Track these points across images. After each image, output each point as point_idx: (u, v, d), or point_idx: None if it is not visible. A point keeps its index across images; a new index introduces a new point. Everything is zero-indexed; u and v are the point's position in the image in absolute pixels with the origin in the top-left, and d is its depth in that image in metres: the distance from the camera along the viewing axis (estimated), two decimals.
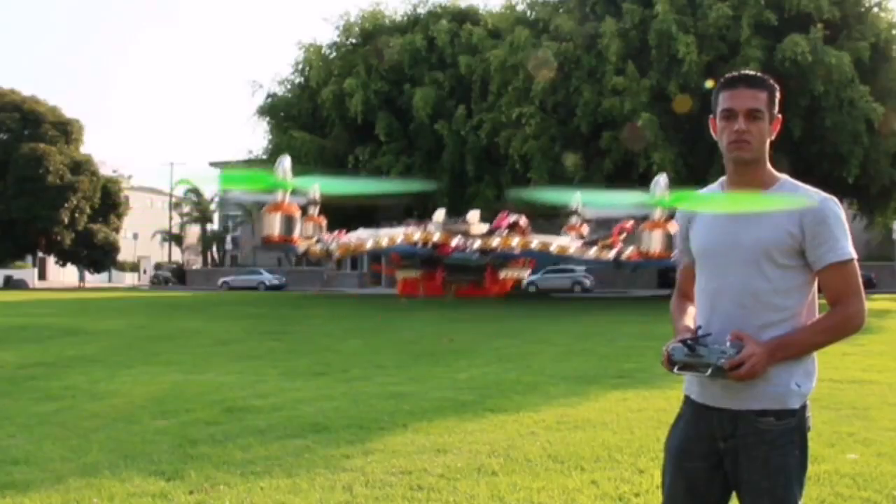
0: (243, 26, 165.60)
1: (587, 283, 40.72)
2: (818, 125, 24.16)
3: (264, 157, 33.47)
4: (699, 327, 2.10)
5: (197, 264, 64.20)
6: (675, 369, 2.06)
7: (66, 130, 51.09)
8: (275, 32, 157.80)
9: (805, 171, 26.93)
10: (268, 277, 48.60)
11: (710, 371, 1.99)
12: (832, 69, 23.17)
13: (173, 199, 65.56)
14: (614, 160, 24.92)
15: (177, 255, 68.46)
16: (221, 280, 50.13)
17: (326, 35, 75.54)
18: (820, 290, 2.12)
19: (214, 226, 64.23)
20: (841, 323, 2.07)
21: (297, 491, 4.27)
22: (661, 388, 7.29)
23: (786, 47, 23.47)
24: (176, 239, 65.38)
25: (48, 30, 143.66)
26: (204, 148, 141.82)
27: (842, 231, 2.04)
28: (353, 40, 32.45)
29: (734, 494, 2.16)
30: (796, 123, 24.00)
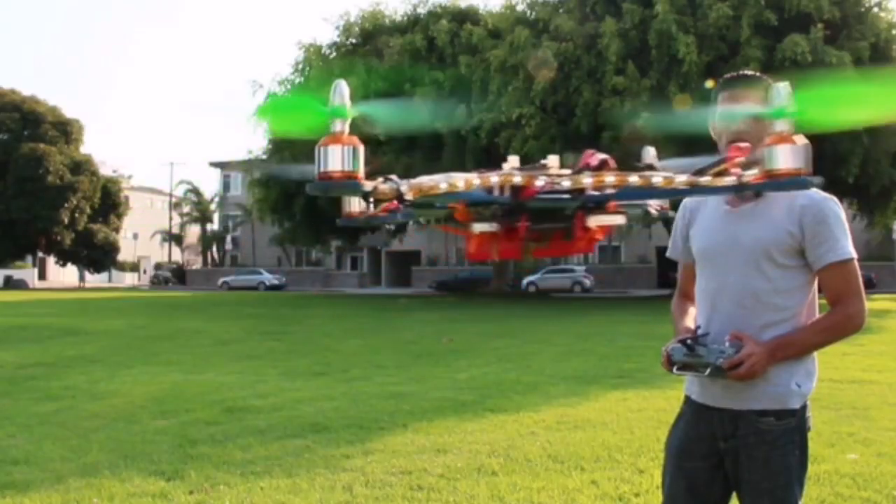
0: (243, 26, 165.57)
1: (587, 283, 40.77)
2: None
3: (264, 156, 33.46)
4: (698, 327, 2.10)
5: (197, 264, 64.22)
6: (675, 369, 2.06)
7: (66, 130, 51.09)
8: (275, 32, 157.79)
9: None
10: (268, 277, 48.62)
11: (709, 371, 1.99)
12: (833, 69, 23.16)
13: (173, 199, 65.59)
14: (614, 160, 24.96)
15: (177, 255, 68.49)
16: (221, 280, 50.15)
17: (326, 35, 75.53)
18: (820, 290, 2.12)
19: (214, 226, 64.25)
20: (841, 323, 2.07)
21: (297, 491, 4.28)
22: (661, 388, 7.29)
23: (786, 47, 23.47)
24: (176, 239, 65.42)
25: (48, 30, 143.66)
26: (204, 148, 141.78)
27: (842, 231, 2.04)
28: (353, 40, 32.44)
29: (734, 494, 2.16)
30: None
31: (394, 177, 1.48)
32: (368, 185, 1.38)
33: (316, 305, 27.56)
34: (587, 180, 1.72)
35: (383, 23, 32.56)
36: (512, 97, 26.40)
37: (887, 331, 14.81)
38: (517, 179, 1.70)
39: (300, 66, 32.88)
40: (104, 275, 60.73)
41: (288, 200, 32.21)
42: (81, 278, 58.12)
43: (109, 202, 53.46)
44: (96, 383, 8.44)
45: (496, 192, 1.69)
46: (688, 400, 2.22)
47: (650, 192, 1.78)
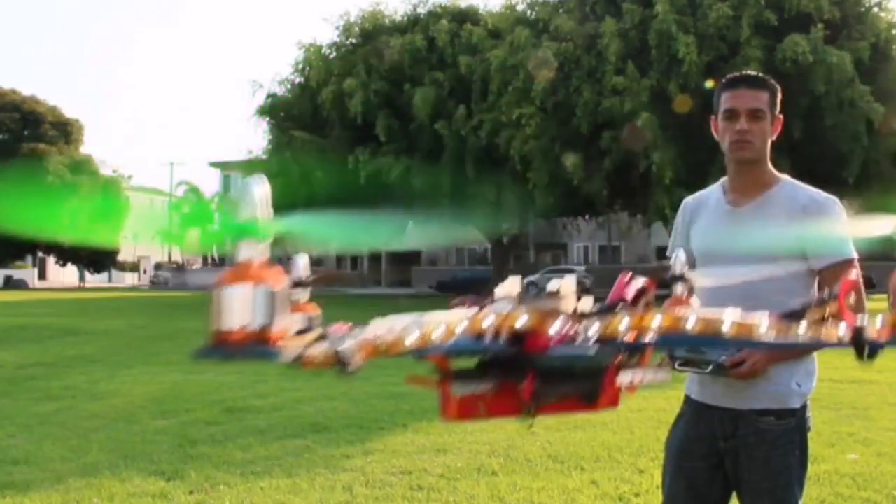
0: (243, 26, 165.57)
1: (587, 283, 40.77)
2: (818, 125, 24.16)
3: (264, 156, 33.45)
4: None
5: (197, 264, 64.20)
6: (676, 365, 2.05)
7: (66, 130, 51.11)
8: (275, 32, 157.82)
9: (805, 172, 26.88)
10: None
11: (710, 368, 1.99)
12: (833, 69, 23.17)
13: (173, 199, 65.56)
14: (614, 160, 24.92)
15: (177, 255, 68.44)
16: None
17: (326, 35, 75.46)
18: (821, 290, 2.12)
19: (214, 226, 64.19)
20: None
21: (297, 491, 4.28)
22: (661, 388, 7.27)
23: (786, 47, 23.47)
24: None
25: (48, 30, 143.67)
26: (204, 148, 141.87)
27: (843, 231, 2.04)
28: (353, 40, 32.41)
29: (734, 494, 2.16)
30: (796, 123, 23.97)
31: (332, 330, 1.06)
32: (291, 351, 0.97)
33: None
34: (624, 325, 1.19)
35: (383, 23, 32.53)
36: (512, 97, 26.39)
37: None
38: (522, 322, 1.17)
39: (300, 66, 32.86)
40: (104, 275, 60.71)
41: (288, 201, 32.17)
42: (81, 278, 58.09)
43: (109, 202, 53.43)
44: (96, 383, 8.44)
45: (491, 338, 1.18)
46: (688, 399, 2.22)
47: (713, 339, 1.21)
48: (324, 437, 5.57)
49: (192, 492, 4.28)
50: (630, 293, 1.35)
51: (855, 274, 2.00)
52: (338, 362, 1.01)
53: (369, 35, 31.84)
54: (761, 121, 2.10)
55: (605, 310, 1.26)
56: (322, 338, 1.01)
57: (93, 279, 59.23)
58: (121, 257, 58.67)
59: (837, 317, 1.24)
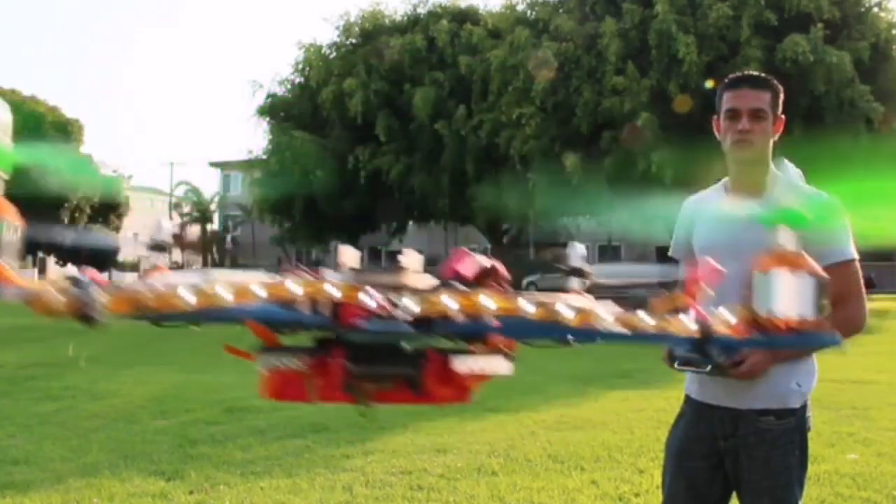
0: (243, 26, 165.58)
1: (587, 283, 40.71)
2: (818, 125, 24.16)
3: (264, 156, 33.45)
4: None
5: (197, 264, 64.20)
6: (676, 364, 2.05)
7: (66, 130, 51.13)
8: (275, 32, 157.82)
9: (805, 172, 26.88)
10: None
11: (710, 367, 1.98)
12: (833, 69, 23.16)
13: (173, 199, 65.58)
14: (614, 160, 24.93)
15: (177, 255, 68.48)
16: None
17: (326, 35, 75.40)
18: None
19: (214, 226, 64.23)
20: (841, 324, 2.05)
21: (297, 491, 4.28)
22: (661, 388, 7.29)
23: (786, 47, 23.47)
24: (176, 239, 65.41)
25: (48, 30, 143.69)
26: (204, 148, 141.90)
27: (845, 232, 2.04)
28: (353, 40, 32.40)
29: (734, 494, 2.16)
30: (797, 123, 23.96)
31: (86, 275, 0.96)
32: (15, 289, 0.85)
33: None
34: (451, 303, 1.06)
35: (383, 23, 32.53)
36: (512, 97, 26.39)
37: (887, 331, 14.81)
38: (332, 291, 1.04)
39: (300, 66, 32.86)
40: (104, 275, 60.74)
41: (287, 200, 32.21)
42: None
43: (109, 202, 53.48)
44: (96, 383, 8.43)
45: (301, 308, 1.07)
46: (688, 399, 2.22)
47: (553, 328, 1.14)
48: (324, 437, 5.57)
49: (192, 492, 4.28)
50: (469, 270, 1.19)
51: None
52: (80, 311, 0.89)
53: (369, 35, 31.83)
54: (763, 121, 2.10)
55: (437, 287, 1.12)
56: (75, 283, 0.90)
57: None
58: (121, 257, 58.68)
59: (686, 307, 1.18)
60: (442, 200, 28.88)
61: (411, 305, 1.05)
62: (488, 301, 1.08)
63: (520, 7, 30.98)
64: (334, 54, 32.32)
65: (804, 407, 2.08)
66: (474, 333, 1.15)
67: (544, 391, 7.66)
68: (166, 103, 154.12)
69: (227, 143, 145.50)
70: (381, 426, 5.96)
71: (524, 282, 41.99)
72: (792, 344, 1.21)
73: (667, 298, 1.19)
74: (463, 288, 1.12)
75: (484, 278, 1.19)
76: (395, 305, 1.05)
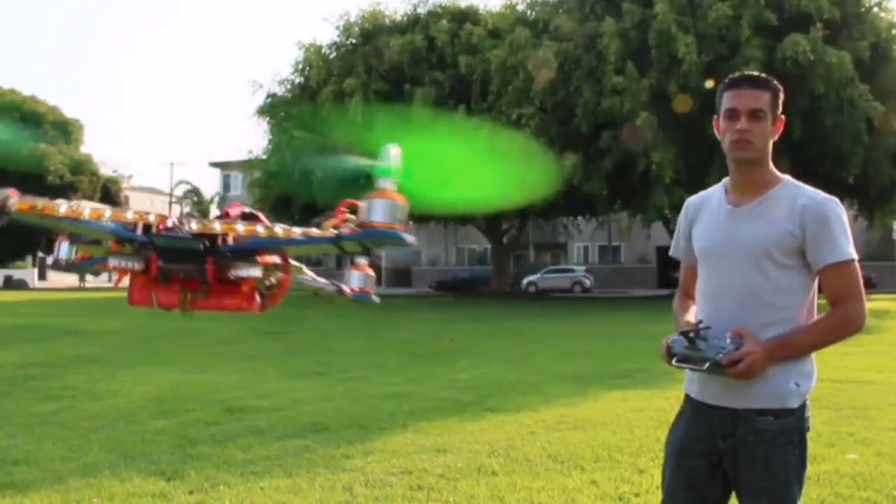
0: (243, 26, 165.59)
1: (587, 283, 40.75)
2: (819, 125, 24.15)
3: (264, 156, 33.45)
4: (700, 321, 2.10)
5: None
6: (674, 362, 2.06)
7: (66, 130, 51.11)
8: (275, 32, 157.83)
9: (805, 172, 26.82)
10: None
11: (707, 365, 1.99)
12: (833, 69, 23.15)
13: (173, 199, 65.58)
14: (614, 160, 24.92)
15: None
16: None
17: (326, 35, 75.39)
18: (820, 291, 2.13)
19: None
20: (841, 324, 2.07)
21: (297, 491, 4.28)
22: (661, 388, 7.29)
23: (786, 47, 23.46)
24: None
25: (48, 30, 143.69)
26: (204, 148, 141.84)
27: (842, 232, 2.04)
28: (353, 40, 32.39)
29: (734, 493, 2.16)
30: (797, 123, 23.93)
31: (7, 190, 1.64)
32: None
33: (316, 305, 27.52)
34: (216, 226, 1.94)
35: (383, 23, 32.51)
36: (512, 97, 26.39)
37: (887, 331, 14.81)
38: (150, 218, 1.92)
39: (300, 66, 32.85)
40: (104, 275, 60.64)
41: (287, 200, 32.22)
42: (82, 278, 58.06)
43: (109, 202, 53.48)
44: (96, 383, 8.44)
45: (136, 231, 1.91)
46: (688, 398, 2.23)
47: (272, 241, 1.98)
48: (324, 437, 5.57)
49: (192, 492, 4.28)
50: (234, 212, 2.09)
51: (850, 274, 2.01)
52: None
53: (369, 35, 31.83)
54: (762, 121, 2.11)
55: (215, 218, 2.02)
56: None
57: (93, 279, 59.19)
58: None
59: (337, 226, 1.98)
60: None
61: (194, 225, 1.95)
62: (240, 227, 1.93)
63: (520, 7, 30.99)
64: (334, 54, 32.31)
65: (803, 407, 2.08)
66: (238, 249, 1.99)
67: (544, 391, 7.66)
68: (166, 103, 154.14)
69: (227, 143, 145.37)
70: (381, 426, 5.96)
71: (524, 281, 42.08)
72: (372, 236, 2.00)
73: (328, 222, 2.02)
74: (228, 220, 2.01)
75: (248, 218, 2.04)
76: (184, 225, 1.94)
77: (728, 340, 1.99)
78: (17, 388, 8.13)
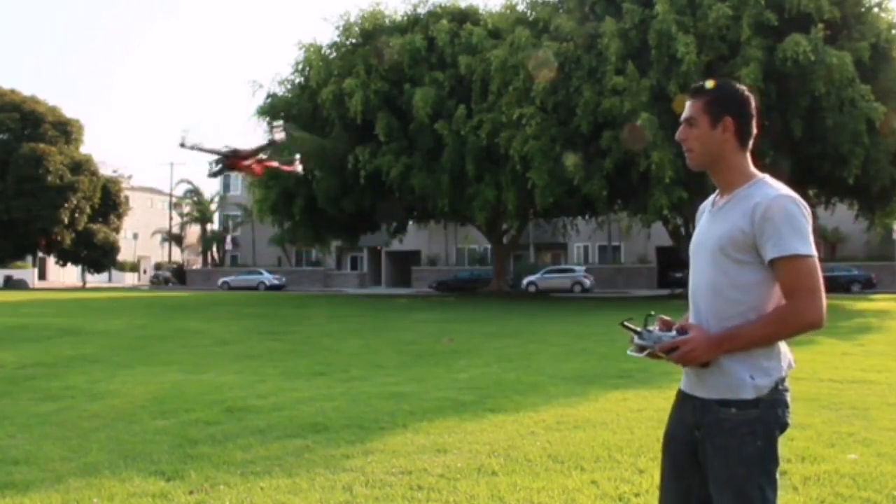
0: (243, 26, 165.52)
1: (587, 283, 40.75)
2: (819, 125, 24.13)
3: (263, 157, 33.40)
4: (650, 313, 2.25)
5: (197, 264, 64.20)
6: (629, 351, 2.23)
7: (66, 130, 51.08)
8: (275, 32, 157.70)
9: (806, 172, 26.82)
10: (268, 277, 48.61)
11: (645, 353, 2.17)
12: (833, 69, 23.11)
13: (173, 199, 65.56)
14: (614, 160, 24.91)
15: (177, 255, 68.46)
16: (221, 280, 50.12)
17: (326, 35, 75.44)
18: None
19: (214, 226, 64.25)
20: (788, 317, 2.11)
21: (297, 491, 4.27)
22: (661, 388, 7.29)
23: (787, 47, 23.42)
24: (176, 239, 65.41)
25: (48, 30, 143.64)
26: None
27: (789, 227, 2.08)
28: (353, 40, 32.37)
29: None
30: (797, 124, 23.93)
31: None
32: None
33: (316, 305, 27.55)
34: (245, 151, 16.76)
35: (383, 23, 32.49)
36: (512, 97, 26.37)
37: (887, 331, 14.81)
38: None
39: (300, 66, 32.83)
40: (104, 275, 60.70)
41: (287, 200, 32.20)
42: (83, 279, 58.10)
43: (109, 202, 53.44)
44: (96, 383, 8.43)
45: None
46: (678, 390, 2.35)
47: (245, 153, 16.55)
48: (324, 437, 5.57)
49: (192, 492, 4.27)
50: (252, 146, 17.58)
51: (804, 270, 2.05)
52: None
53: (369, 35, 31.81)
54: (694, 127, 2.22)
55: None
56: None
57: (93, 279, 59.22)
58: (121, 257, 58.66)
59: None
60: (442, 200, 28.84)
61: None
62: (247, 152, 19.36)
63: (520, 7, 30.97)
64: (334, 54, 32.29)
65: (775, 402, 2.12)
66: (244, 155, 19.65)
67: (544, 391, 7.66)
68: (167, 103, 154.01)
69: (227, 143, 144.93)
70: (381, 426, 5.96)
71: (524, 281, 42.10)
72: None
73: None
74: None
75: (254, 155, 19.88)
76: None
77: (674, 332, 2.15)
78: (17, 388, 8.13)
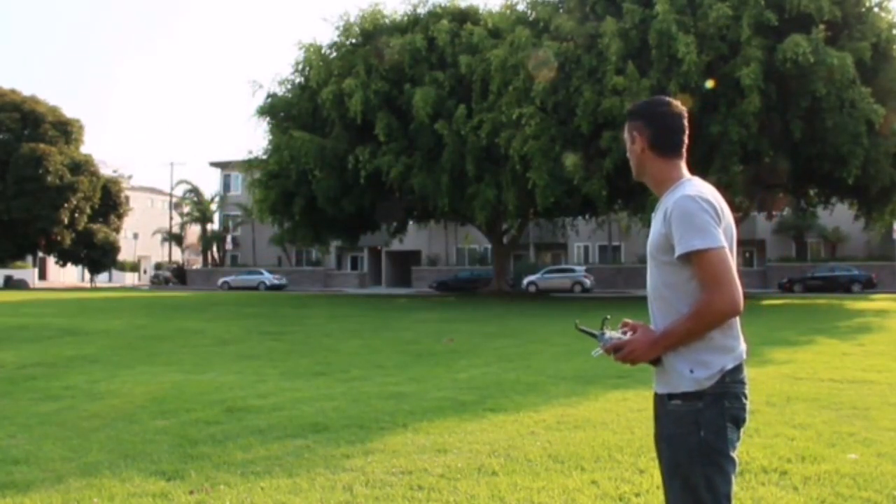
0: (243, 26, 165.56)
1: (587, 283, 40.75)
2: (819, 126, 24.11)
3: (264, 156, 33.45)
4: (606, 317, 2.42)
5: (197, 264, 64.18)
6: (593, 352, 2.39)
7: (66, 130, 51.07)
8: (275, 32, 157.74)
9: (806, 172, 26.84)
10: (268, 277, 48.60)
11: (597, 353, 2.35)
12: (834, 70, 23.09)
13: (173, 199, 65.55)
14: (614, 160, 24.90)
15: (177, 255, 68.45)
16: (222, 280, 50.11)
17: (326, 35, 75.53)
18: None
19: (214, 226, 64.21)
20: (702, 310, 2.19)
21: (297, 491, 4.27)
22: None
23: (787, 47, 23.40)
24: (176, 239, 65.38)
25: (48, 30, 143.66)
26: (204, 148, 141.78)
27: (688, 225, 2.17)
28: (353, 40, 32.36)
29: None
30: (797, 124, 23.91)
31: None
32: None
33: (316, 305, 27.55)
34: None
35: (383, 23, 32.48)
36: (512, 97, 26.36)
37: (887, 331, 14.80)
38: None
39: (300, 66, 32.82)
40: (104, 275, 60.71)
41: (288, 200, 32.19)
42: (90, 279, 58.05)
43: (109, 202, 53.44)
44: (96, 383, 8.44)
45: None
46: None
47: None
48: (324, 437, 5.57)
49: (192, 492, 4.28)
50: None
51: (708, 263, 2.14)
52: None
53: (369, 35, 31.80)
54: (629, 145, 2.40)
55: None
56: None
57: (94, 279, 59.22)
58: (121, 257, 58.64)
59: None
60: (442, 200, 28.82)
61: None
62: None
63: (520, 7, 30.95)
64: (334, 54, 32.27)
65: (720, 394, 2.19)
66: None
67: (544, 391, 7.66)
68: (167, 103, 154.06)
69: (227, 143, 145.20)
70: (381, 426, 5.96)
71: (524, 281, 42.11)
72: None
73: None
74: None
75: None
76: None
77: (621, 332, 2.32)
78: (17, 388, 8.13)
